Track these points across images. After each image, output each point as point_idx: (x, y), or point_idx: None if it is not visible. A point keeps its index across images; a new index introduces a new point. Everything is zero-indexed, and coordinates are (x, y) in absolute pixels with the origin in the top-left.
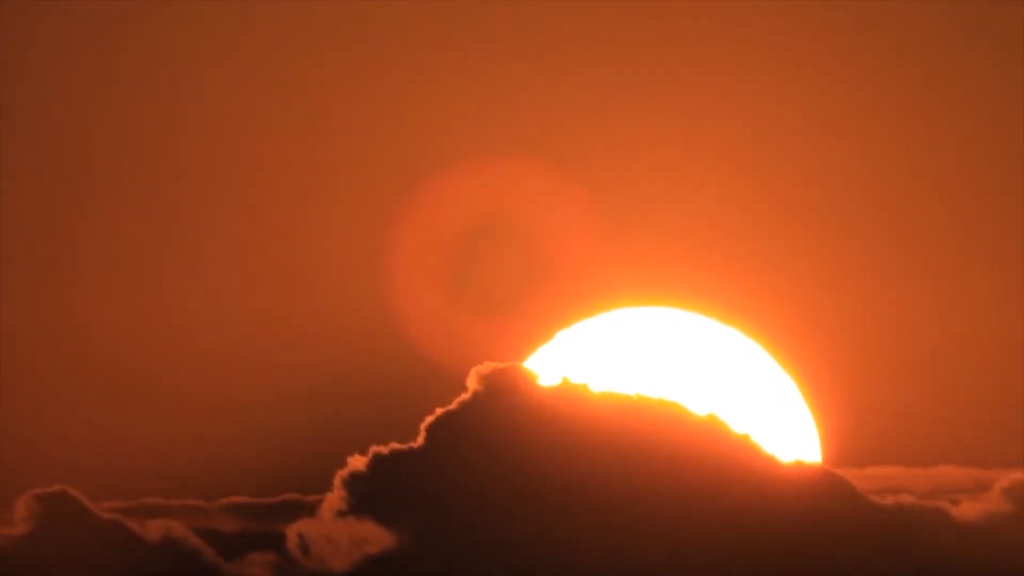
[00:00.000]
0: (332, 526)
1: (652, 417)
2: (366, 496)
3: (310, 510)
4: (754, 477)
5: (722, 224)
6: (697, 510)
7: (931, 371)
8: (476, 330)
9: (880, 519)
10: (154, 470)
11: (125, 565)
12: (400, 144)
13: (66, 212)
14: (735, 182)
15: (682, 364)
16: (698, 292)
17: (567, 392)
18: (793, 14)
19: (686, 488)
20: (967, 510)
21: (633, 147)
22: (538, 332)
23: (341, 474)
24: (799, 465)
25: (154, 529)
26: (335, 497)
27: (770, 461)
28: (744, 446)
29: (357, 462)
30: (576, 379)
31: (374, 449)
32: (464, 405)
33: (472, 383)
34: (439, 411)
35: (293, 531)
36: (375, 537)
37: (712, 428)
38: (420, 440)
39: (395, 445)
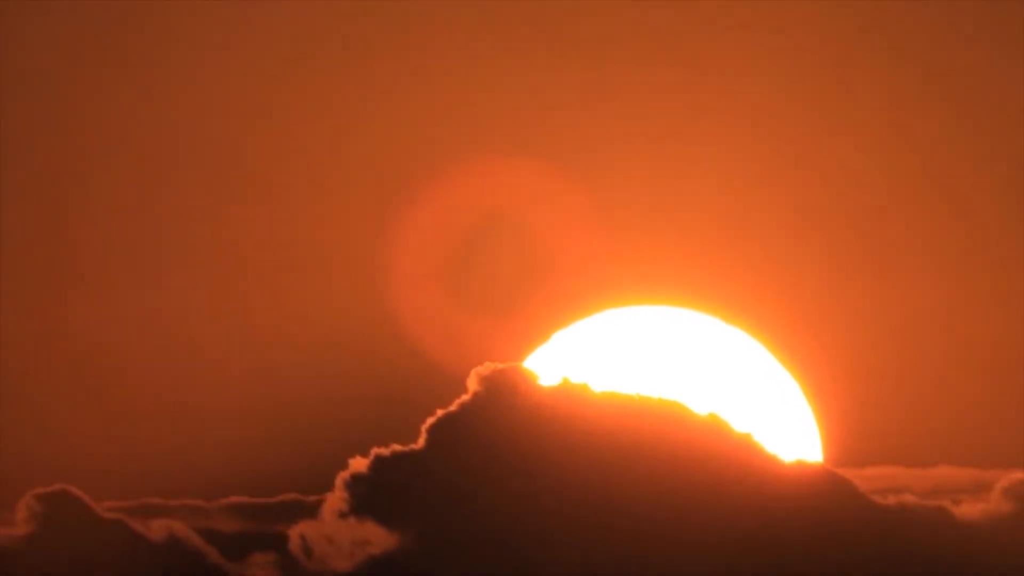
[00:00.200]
0: (334, 527)
1: (653, 416)
2: (368, 497)
3: (310, 510)
4: (756, 477)
5: (723, 223)
6: (699, 510)
7: (931, 371)
8: (475, 330)
9: (882, 519)
10: (153, 470)
11: (128, 565)
12: (398, 144)
13: (70, 214)
14: (735, 181)
15: (683, 363)
16: (699, 291)
17: (567, 392)
18: (794, 11)
19: (688, 488)
20: (969, 510)
21: (633, 146)
22: (538, 332)
23: (343, 475)
24: (801, 465)
25: (158, 529)
26: (337, 498)
27: (772, 461)
28: (746, 446)
29: (358, 463)
30: (576, 379)
31: (375, 451)
32: (464, 406)
33: (472, 384)
34: (440, 412)
35: (295, 532)
36: (377, 538)
37: (714, 427)
38: (421, 441)
39: (396, 447)
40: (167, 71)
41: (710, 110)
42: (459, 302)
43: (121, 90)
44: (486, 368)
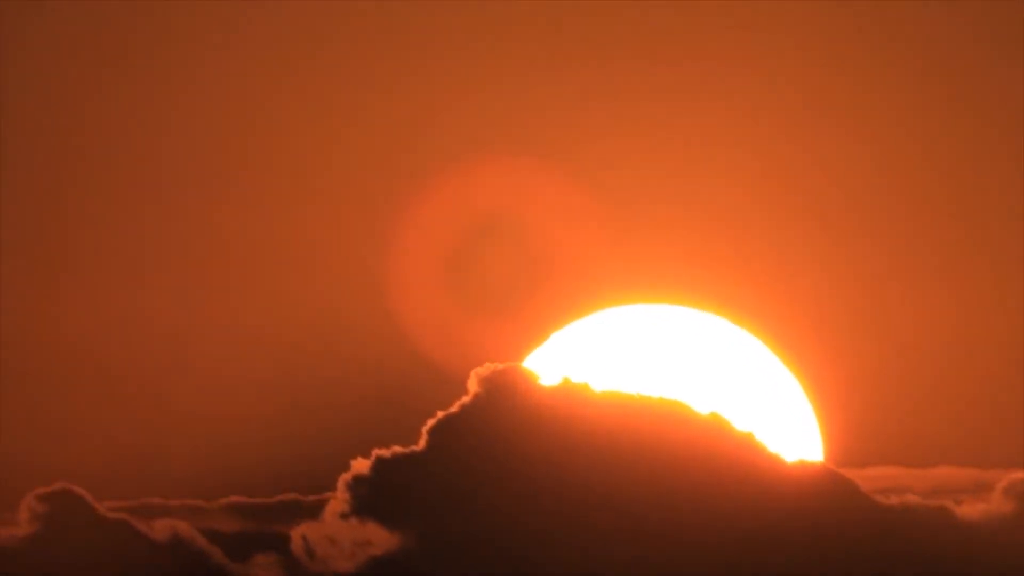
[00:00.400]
0: (336, 528)
1: (654, 416)
2: (369, 498)
3: (309, 510)
4: (758, 476)
5: (724, 222)
6: (700, 510)
7: (931, 371)
8: (474, 330)
9: (884, 519)
10: (152, 470)
11: (132, 565)
12: (395, 144)
13: (64, 212)
14: (736, 180)
15: (684, 362)
16: (700, 290)
17: (568, 392)
18: (799, 7)
19: (689, 487)
20: (971, 510)
21: (633, 145)
22: (537, 331)
23: (344, 477)
24: (803, 465)
25: (161, 529)
26: (338, 500)
27: (774, 460)
28: (747, 445)
29: (360, 465)
30: (577, 379)
31: (376, 452)
32: (464, 407)
33: (472, 385)
34: (440, 414)
35: (297, 533)
36: (379, 539)
37: (715, 427)
38: (422, 443)
39: (397, 448)
40: (162, 70)
41: (710, 109)
42: (458, 302)
43: (116, 88)
44: (486, 369)
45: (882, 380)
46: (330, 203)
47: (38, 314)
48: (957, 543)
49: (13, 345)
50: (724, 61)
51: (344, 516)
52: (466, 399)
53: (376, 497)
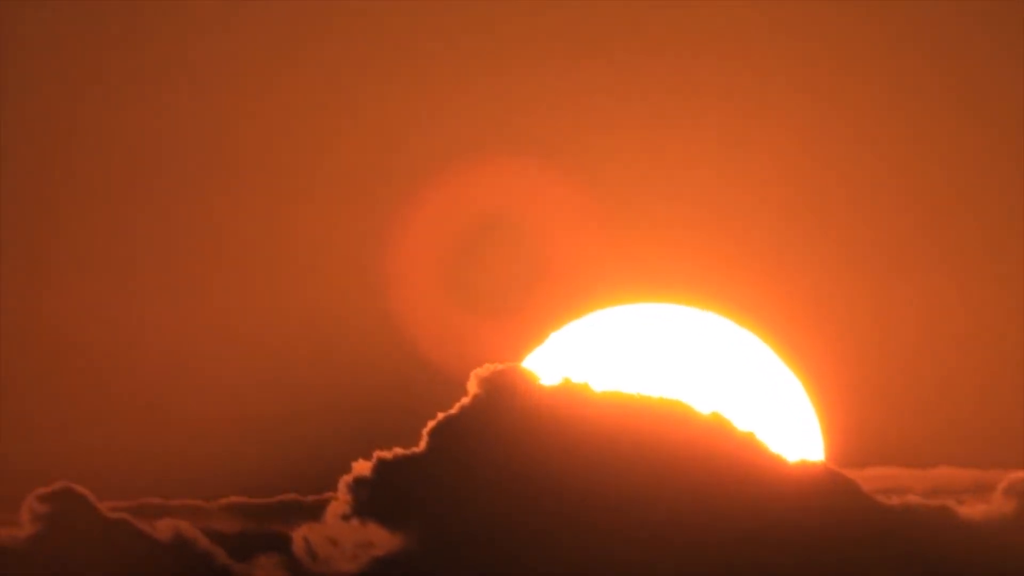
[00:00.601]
0: (337, 529)
1: (655, 416)
2: (371, 500)
3: (309, 510)
4: (759, 476)
5: (725, 221)
6: (702, 510)
7: (931, 372)
8: (474, 330)
9: (886, 519)
10: (152, 471)
11: (135, 565)
12: (394, 145)
13: (64, 212)
14: (737, 178)
15: (685, 362)
16: (701, 289)
17: (568, 392)
18: (797, 4)
19: (691, 487)
20: (973, 510)
21: (633, 144)
22: (537, 331)
23: (345, 478)
24: (804, 464)
25: (164, 529)
26: (340, 501)
27: (775, 460)
28: (749, 445)
29: (361, 466)
30: (577, 379)
31: (377, 453)
32: (465, 408)
33: (472, 386)
34: (440, 415)
35: (299, 534)
36: (380, 540)
37: (716, 426)
38: (423, 444)
39: (398, 450)
40: (158, 68)
41: (711, 107)
42: (457, 302)
43: (110, 88)
44: (485, 370)
45: (882, 380)
46: (329, 204)
47: (38, 314)
48: (959, 543)
49: (13, 345)
50: (725, 58)
51: (345, 517)
52: (466, 400)
53: (377, 498)
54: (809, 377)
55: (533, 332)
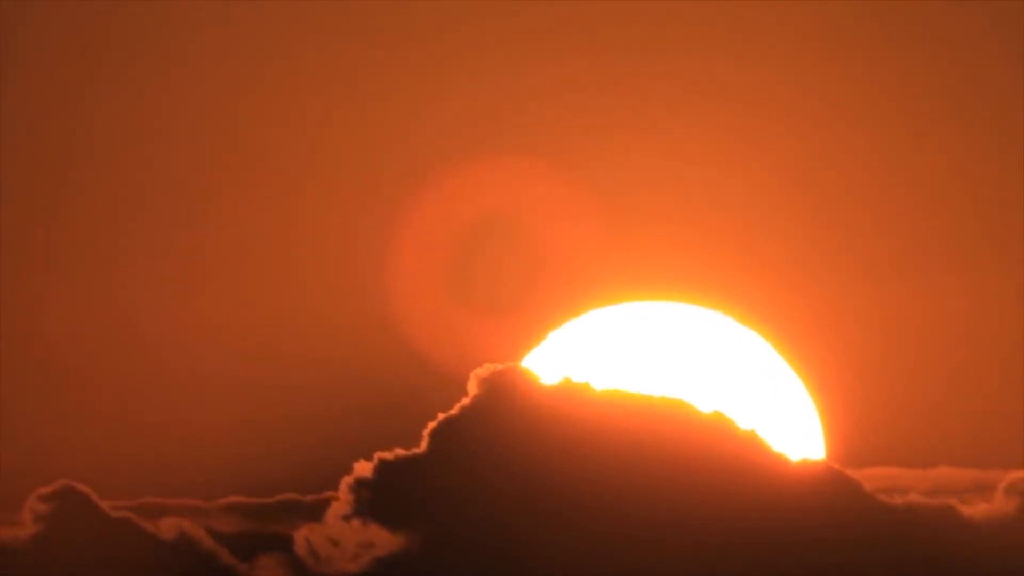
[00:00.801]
0: (339, 530)
1: (656, 415)
2: (372, 501)
3: (309, 510)
4: (761, 475)
5: (727, 220)
6: (704, 509)
7: (931, 372)
8: (473, 330)
9: (889, 518)
10: (151, 471)
11: (138, 564)
12: (392, 144)
13: (67, 209)
14: (738, 176)
15: (686, 360)
16: (702, 287)
17: (569, 392)
18: (801, 2)
19: (693, 486)
20: (977, 509)
21: (634, 141)
22: (537, 330)
23: (347, 480)
24: (806, 463)
25: (168, 528)
26: (342, 502)
27: (777, 459)
28: (751, 444)
29: (363, 468)
30: (578, 378)
31: (379, 455)
32: (465, 409)
33: (472, 386)
34: (441, 416)
35: (300, 535)
36: (382, 541)
37: (718, 425)
38: (424, 446)
39: (399, 451)
40: (156, 65)
41: (711, 104)
42: (456, 301)
43: (105, 87)
44: (485, 370)
45: (881, 380)
46: (327, 204)
47: (33, 314)
48: (962, 543)
49: (12, 346)
50: (726, 54)
51: (347, 518)
52: (466, 401)
53: (379, 499)
54: (810, 376)
55: (532, 331)
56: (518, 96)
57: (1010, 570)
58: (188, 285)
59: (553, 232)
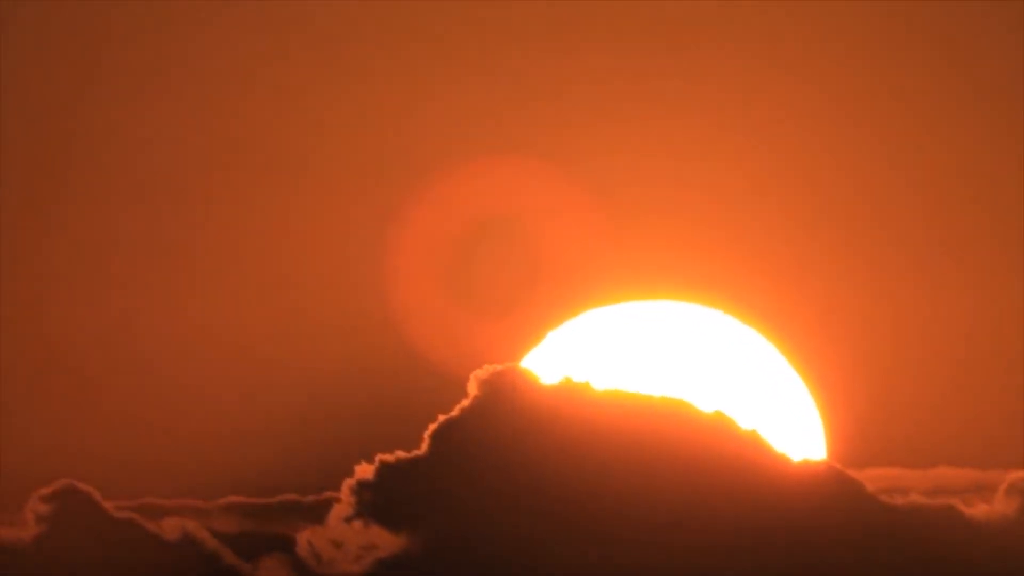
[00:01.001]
0: (341, 533)
1: (657, 415)
2: (374, 503)
3: (309, 511)
4: (763, 475)
5: (728, 217)
6: (706, 509)
7: (931, 372)
8: (473, 330)
9: (892, 518)
10: (150, 471)
11: (142, 564)
12: (391, 145)
13: (68, 209)
14: (740, 175)
15: (687, 360)
16: (704, 286)
17: (569, 392)
18: (797, 6)
19: (694, 486)
20: (977, 510)
21: (634, 139)
22: (536, 330)
23: (348, 482)
24: (808, 463)
25: (172, 528)
26: (343, 504)
27: (779, 459)
28: (752, 444)
29: (364, 470)
30: (578, 378)
31: (380, 457)
32: (465, 411)
33: (472, 388)
34: (442, 418)
35: (303, 537)
36: (385, 543)
37: (719, 425)
38: (425, 448)
39: (401, 453)
40: (154, 67)
41: (712, 102)
42: (455, 302)
43: (102, 87)
44: (485, 371)
45: (882, 380)
46: (326, 205)
47: (39, 315)
48: (965, 543)
49: (13, 346)
50: (727, 52)
51: (348, 520)
52: (466, 402)
53: (380, 501)
54: (811, 376)
55: (532, 331)
56: (517, 96)
57: (1011, 571)
58: (189, 286)
59: (553, 231)
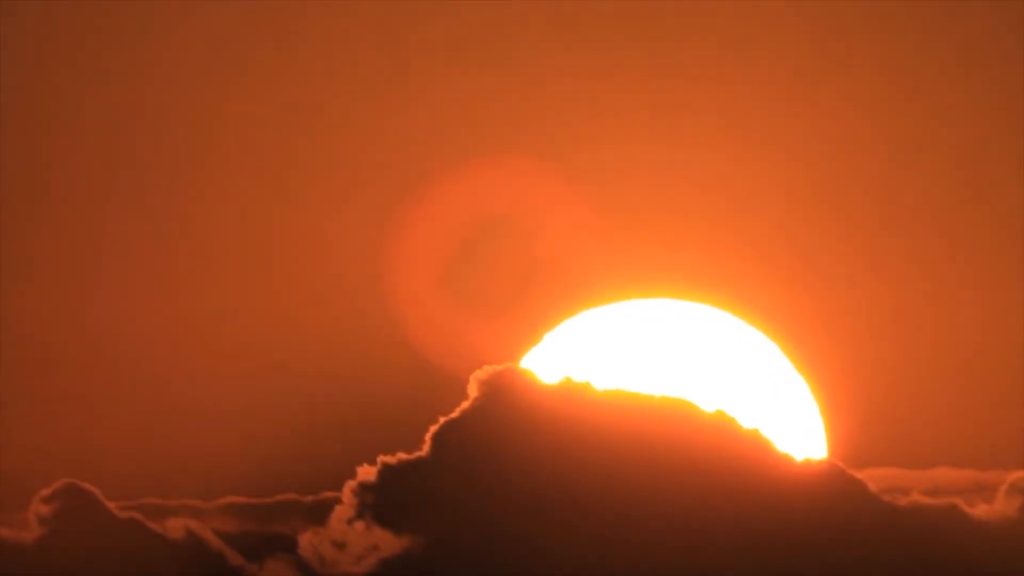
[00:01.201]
0: (343, 534)
1: (659, 414)
2: (376, 505)
3: (308, 511)
4: (765, 474)
5: (730, 218)
6: (708, 508)
7: (931, 373)
8: (473, 330)
9: (894, 518)
10: (150, 472)
11: (146, 564)
12: (391, 146)
13: (67, 209)
14: (742, 174)
15: (689, 359)
16: (705, 286)
17: (570, 392)
18: (800, 5)
19: (696, 485)
20: (978, 510)
21: (634, 138)
22: (536, 330)
23: (351, 484)
24: (810, 463)
25: (175, 528)
26: (346, 505)
27: (781, 458)
28: (754, 443)
29: (366, 472)
30: (578, 378)
31: (382, 458)
32: (466, 411)
33: (472, 389)
34: (443, 419)
35: (305, 538)
36: (387, 544)
37: (721, 425)
38: (426, 448)
39: (402, 455)
40: (151, 67)
41: (712, 100)
42: (455, 303)
43: (100, 87)
44: (485, 372)
45: (883, 381)
46: (326, 206)
47: (39, 317)
48: (967, 543)
49: (14, 347)
50: (729, 51)
51: (351, 521)
52: (467, 403)
53: (383, 502)
54: (813, 376)
55: (531, 331)
56: (516, 96)
57: (1012, 571)
58: (190, 286)
59: (552, 231)
